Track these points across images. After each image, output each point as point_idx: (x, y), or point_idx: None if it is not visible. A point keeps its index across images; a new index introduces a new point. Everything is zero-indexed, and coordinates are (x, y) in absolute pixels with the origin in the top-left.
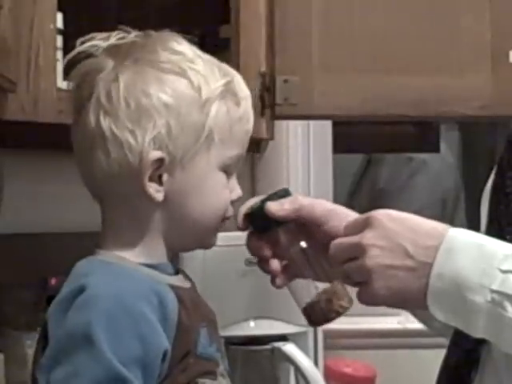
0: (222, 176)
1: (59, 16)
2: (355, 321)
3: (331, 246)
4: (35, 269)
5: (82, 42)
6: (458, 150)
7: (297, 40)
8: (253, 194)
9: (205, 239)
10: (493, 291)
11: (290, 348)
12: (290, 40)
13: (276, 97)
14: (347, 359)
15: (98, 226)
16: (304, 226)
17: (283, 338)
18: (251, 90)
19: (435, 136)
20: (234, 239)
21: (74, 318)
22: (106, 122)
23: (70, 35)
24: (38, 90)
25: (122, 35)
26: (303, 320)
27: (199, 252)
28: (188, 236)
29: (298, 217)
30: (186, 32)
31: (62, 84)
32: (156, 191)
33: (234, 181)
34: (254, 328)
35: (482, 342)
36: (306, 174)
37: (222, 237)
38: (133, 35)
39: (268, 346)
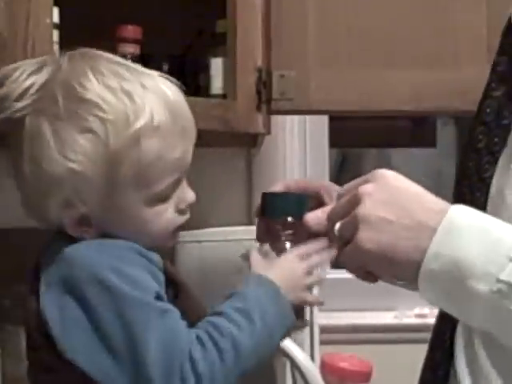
0: (152, 209)
1: (55, 10)
2: (351, 316)
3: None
4: (33, 263)
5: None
6: (454, 145)
7: (293, 35)
8: (249, 188)
9: (159, 247)
10: (500, 281)
11: (286, 343)
12: (286, 35)
13: (272, 92)
14: (343, 354)
15: None
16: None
17: None
18: (248, 85)
19: (432, 131)
20: (230, 233)
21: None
22: (22, 187)
23: (67, 30)
24: None
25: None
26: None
27: (196, 247)
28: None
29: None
30: (184, 27)
31: None
32: (86, 233)
33: (181, 191)
34: None
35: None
36: (302, 168)
37: (219, 232)
38: (28, 80)
39: None
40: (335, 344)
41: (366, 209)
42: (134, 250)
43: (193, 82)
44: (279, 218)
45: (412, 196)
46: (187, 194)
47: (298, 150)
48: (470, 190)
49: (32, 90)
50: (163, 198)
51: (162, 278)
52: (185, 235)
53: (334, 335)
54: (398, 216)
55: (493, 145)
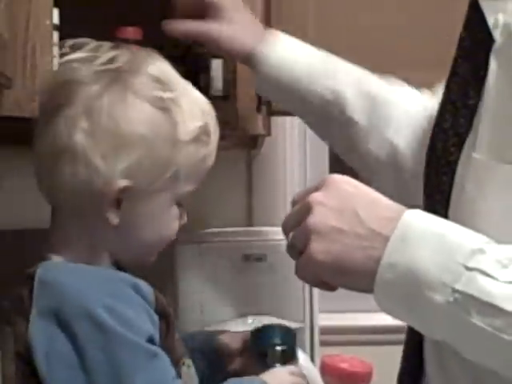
0: (175, 209)
1: (55, 12)
2: (352, 317)
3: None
4: (32, 264)
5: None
6: None
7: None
8: (249, 189)
9: (146, 259)
10: (456, 291)
11: None
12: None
13: None
14: (344, 355)
15: None
16: None
17: None
18: (248, 86)
19: None
20: (230, 234)
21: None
22: (80, 141)
23: (67, 31)
24: (34, 86)
25: (98, 46)
26: (299, 316)
27: (195, 247)
28: (132, 255)
29: None
30: None
31: None
32: (113, 216)
33: (183, 208)
34: (251, 324)
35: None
36: (302, 169)
37: (219, 232)
38: (112, 52)
39: None
40: (335, 345)
41: (317, 218)
42: (129, 284)
43: (193, 83)
44: (269, 346)
45: (365, 202)
46: (184, 214)
47: (298, 152)
48: (436, 172)
49: (118, 59)
50: (180, 203)
51: (156, 318)
52: (185, 235)
53: (334, 336)
54: (349, 224)
55: (459, 126)
